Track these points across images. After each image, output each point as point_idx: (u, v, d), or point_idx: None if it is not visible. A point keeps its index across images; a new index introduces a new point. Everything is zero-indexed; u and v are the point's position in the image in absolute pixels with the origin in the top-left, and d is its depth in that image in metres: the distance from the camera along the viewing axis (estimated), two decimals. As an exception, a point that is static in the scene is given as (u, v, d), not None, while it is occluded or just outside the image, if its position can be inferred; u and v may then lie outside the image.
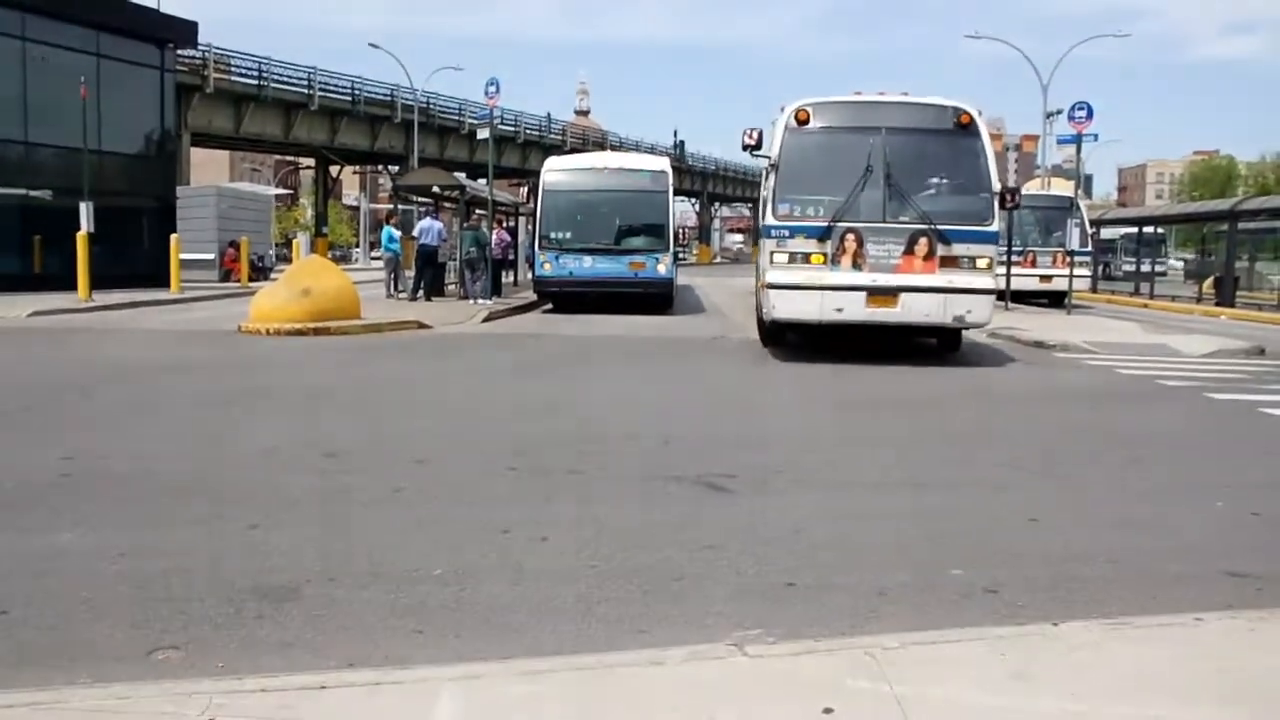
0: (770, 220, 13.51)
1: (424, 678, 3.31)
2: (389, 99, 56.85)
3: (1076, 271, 25.64)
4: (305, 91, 51.90)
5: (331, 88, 53.77)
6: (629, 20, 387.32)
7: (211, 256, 34.21)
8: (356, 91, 55.15)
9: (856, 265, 13.05)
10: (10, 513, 5.49)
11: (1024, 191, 35.15)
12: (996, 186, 13.17)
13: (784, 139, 13.42)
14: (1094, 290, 33.59)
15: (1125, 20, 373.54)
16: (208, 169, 73.01)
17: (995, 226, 13.38)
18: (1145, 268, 36.44)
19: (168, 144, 33.45)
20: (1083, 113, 24.47)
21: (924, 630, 3.92)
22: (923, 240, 12.98)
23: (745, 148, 13.78)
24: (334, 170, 64.72)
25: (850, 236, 13.05)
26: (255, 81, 49.35)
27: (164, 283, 26.24)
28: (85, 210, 23.15)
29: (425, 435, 7.99)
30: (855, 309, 13.09)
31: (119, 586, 4.35)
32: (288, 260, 40.53)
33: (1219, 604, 4.34)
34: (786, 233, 13.27)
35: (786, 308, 13.40)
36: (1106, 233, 41.80)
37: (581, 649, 3.72)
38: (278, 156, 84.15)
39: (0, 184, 26.43)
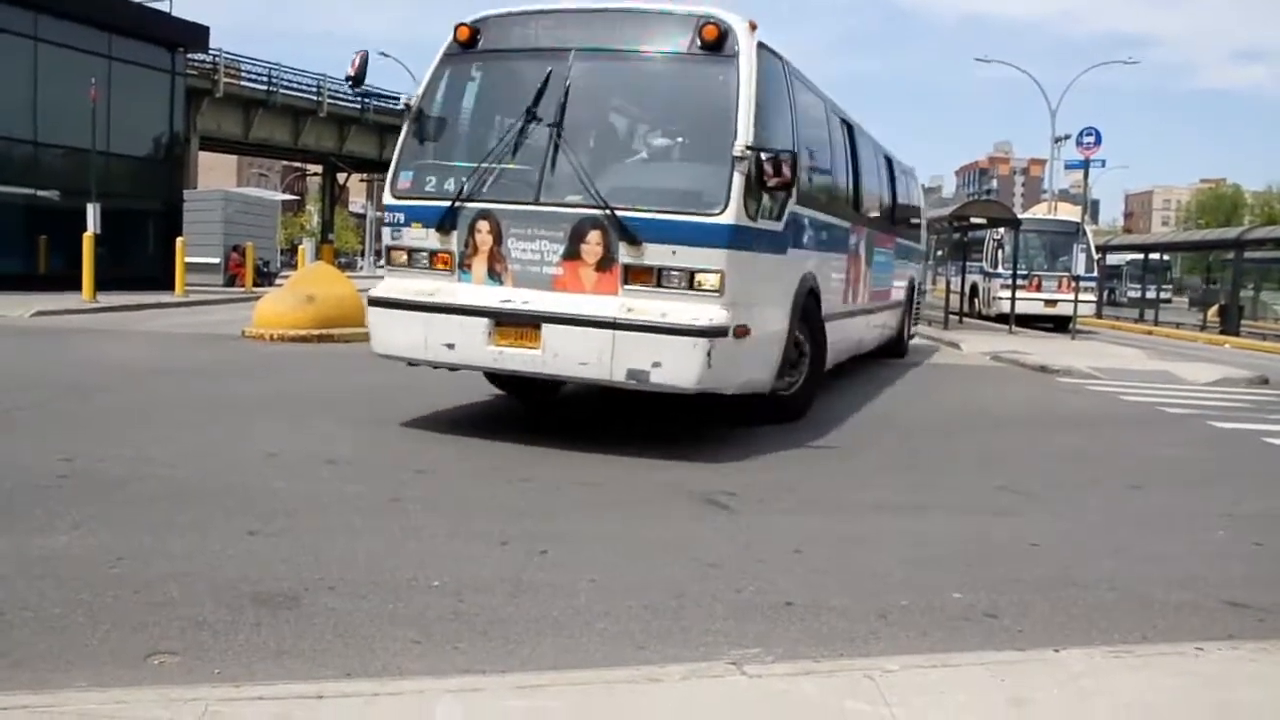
0: (386, 197, 8.61)
1: (421, 689, 3.30)
2: (397, 108, 56.84)
3: (1082, 297, 25.66)
4: (314, 98, 52.17)
5: (341, 95, 53.90)
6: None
7: (217, 261, 34.35)
8: (365, 100, 55.28)
9: (494, 274, 7.97)
10: (8, 514, 5.48)
11: (1031, 215, 35.29)
12: (743, 148, 7.49)
13: (434, 70, 8.60)
14: (1099, 316, 33.62)
15: (1136, 47, 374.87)
16: (215, 173, 73.21)
17: (731, 217, 7.47)
18: (1150, 294, 36.47)
19: (175, 147, 33.61)
20: (1091, 138, 24.54)
21: (924, 654, 3.91)
22: (594, 235, 7.66)
23: (347, 79, 8.62)
24: (341, 178, 64.92)
25: (484, 226, 7.95)
26: (265, 87, 49.62)
27: (168, 286, 26.29)
28: (92, 212, 23.25)
29: (427, 444, 7.97)
30: (472, 347, 7.93)
31: (117, 590, 4.33)
32: (293, 266, 40.60)
33: (1220, 634, 4.32)
34: (401, 218, 8.33)
35: (385, 338, 8.47)
36: (1112, 259, 41.88)
37: (580, 664, 3.71)
38: (285, 162, 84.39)
39: (7, 183, 26.59)
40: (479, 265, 8.03)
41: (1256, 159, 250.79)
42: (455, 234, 8.06)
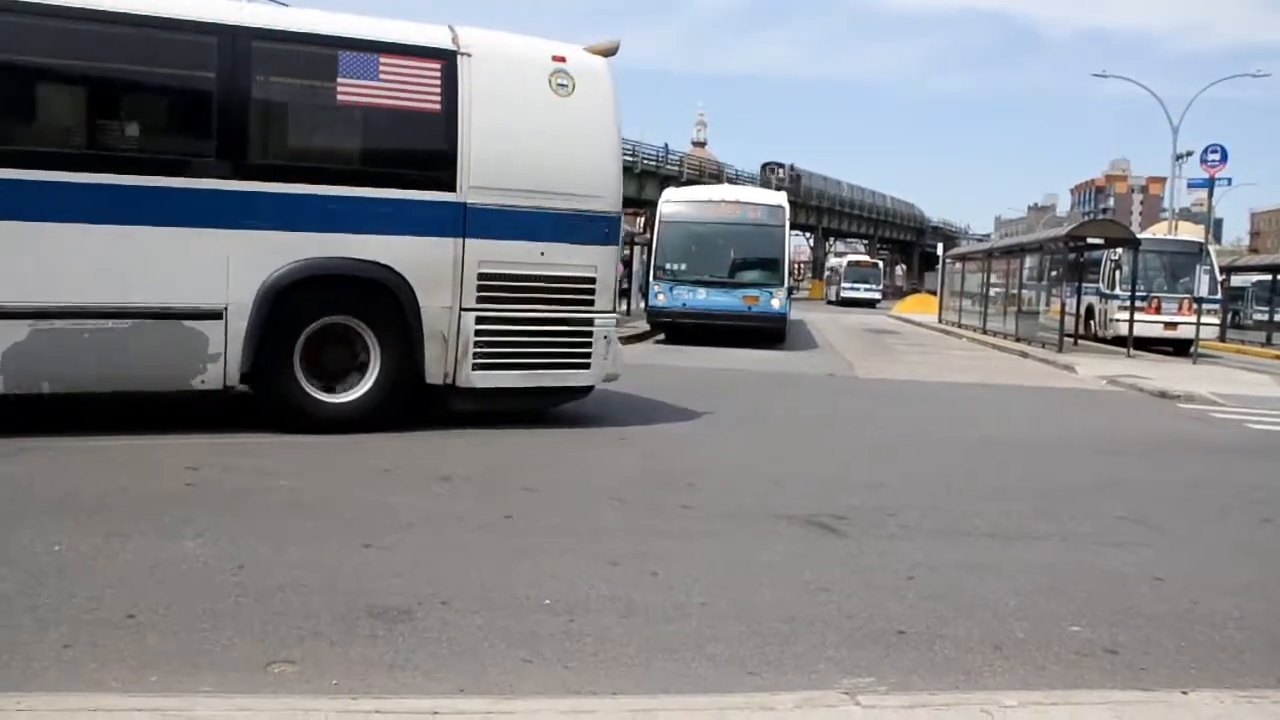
0: None
1: (534, 710, 3.32)
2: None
3: (1204, 320, 24.79)
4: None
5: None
6: (749, 53, 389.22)
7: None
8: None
9: None
10: (139, 519, 5.68)
11: (1150, 235, 34.30)
12: None
13: None
14: (1222, 339, 32.41)
15: (1267, 58, 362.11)
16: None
17: None
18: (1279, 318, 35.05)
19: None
20: (1216, 156, 23.78)
21: (1043, 689, 3.81)
22: None
23: None
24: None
25: None
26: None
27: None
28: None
29: (535, 463, 8.04)
30: None
31: (238, 597, 4.46)
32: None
33: (1360, 679, 4.12)
34: None
35: None
36: (1237, 280, 40.38)
37: (692, 688, 3.69)
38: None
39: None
40: None
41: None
42: None
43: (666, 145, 73.32)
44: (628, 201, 66.39)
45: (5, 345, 7.58)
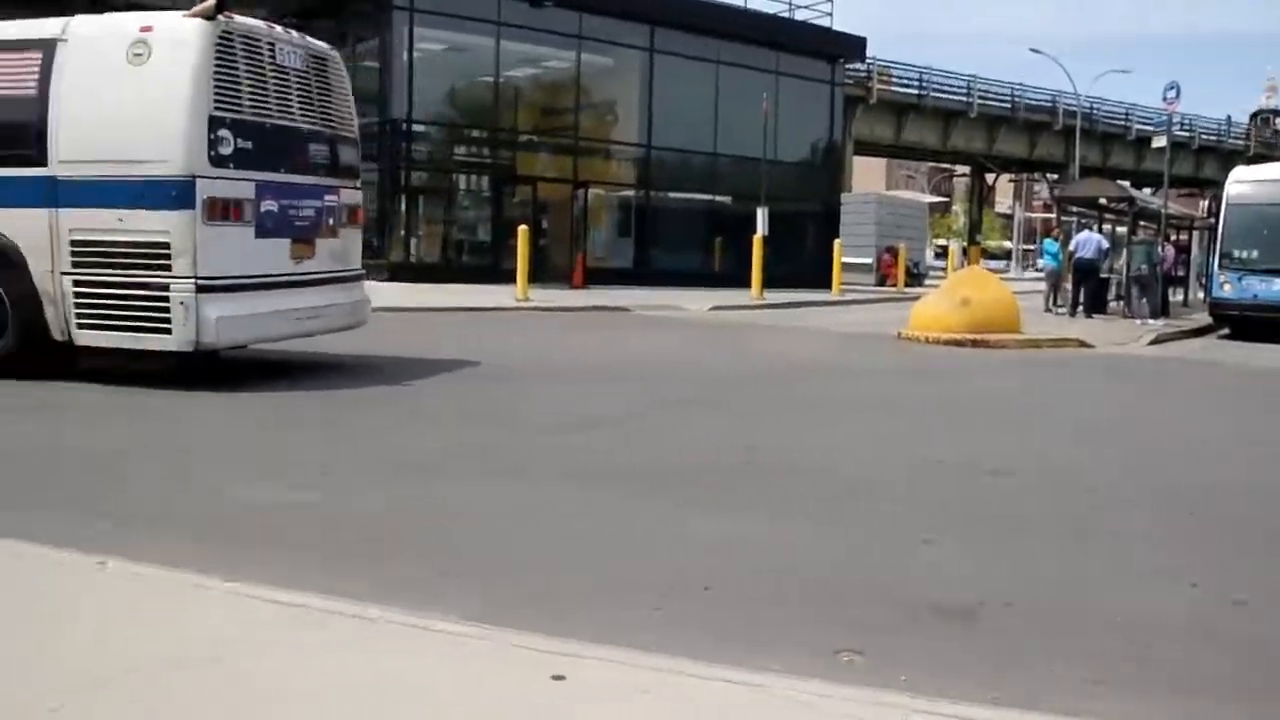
0: None
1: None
2: (1049, 105, 55.42)
3: None
4: (963, 100, 52.34)
5: (990, 95, 53.67)
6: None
7: (869, 261, 35.78)
8: (1015, 99, 54.47)
9: None
10: (698, 492, 6.07)
11: None
12: None
13: None
14: None
15: None
16: (866, 176, 75.93)
17: None
18: None
19: (833, 153, 35.47)
20: None
21: None
22: None
23: None
24: (989, 178, 64.32)
25: None
26: (915, 91, 50.77)
27: (825, 284, 27.78)
28: (761, 215, 25.28)
29: (1092, 462, 7.58)
30: None
31: (797, 578, 4.60)
32: (941, 268, 41.05)
33: None
34: None
35: None
36: None
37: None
38: (931, 164, 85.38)
39: (691, 191, 29.96)
40: None
41: None
42: None
43: (1229, 118, 66.61)
44: (1182, 180, 61.20)
45: None
